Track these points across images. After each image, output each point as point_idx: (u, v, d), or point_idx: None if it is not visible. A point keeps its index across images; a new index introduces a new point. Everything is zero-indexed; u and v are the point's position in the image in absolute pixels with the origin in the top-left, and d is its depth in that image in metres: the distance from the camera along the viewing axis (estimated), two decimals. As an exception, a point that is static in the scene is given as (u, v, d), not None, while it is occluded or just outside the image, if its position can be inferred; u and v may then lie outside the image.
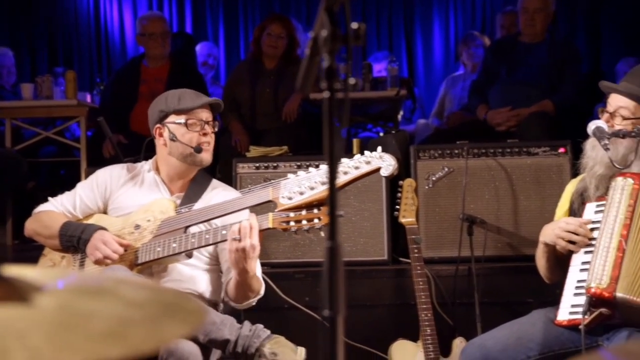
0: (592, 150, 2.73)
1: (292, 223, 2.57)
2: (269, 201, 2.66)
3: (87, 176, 3.31)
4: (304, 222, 2.55)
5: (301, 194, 2.58)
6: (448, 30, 8.64)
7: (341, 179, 2.58)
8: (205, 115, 2.93)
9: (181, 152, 2.93)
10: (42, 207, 3.05)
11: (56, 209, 3.02)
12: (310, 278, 3.76)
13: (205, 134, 2.91)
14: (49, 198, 3.08)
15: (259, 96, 5.31)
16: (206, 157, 2.94)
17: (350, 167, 2.60)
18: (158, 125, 2.96)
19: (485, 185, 3.87)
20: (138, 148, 4.08)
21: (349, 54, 1.21)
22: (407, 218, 3.50)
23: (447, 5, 8.63)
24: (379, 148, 2.67)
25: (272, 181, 2.69)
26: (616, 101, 2.70)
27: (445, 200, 3.87)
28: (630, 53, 7.20)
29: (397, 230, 3.80)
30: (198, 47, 6.94)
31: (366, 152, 2.64)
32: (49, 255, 3.00)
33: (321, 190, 2.56)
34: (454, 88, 6.51)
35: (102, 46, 8.58)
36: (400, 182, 3.60)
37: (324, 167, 2.60)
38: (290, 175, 2.64)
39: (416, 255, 3.40)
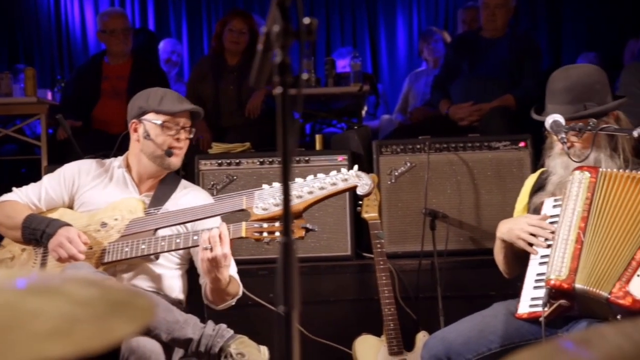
0: (549, 159, 2.78)
1: (265, 234, 2.58)
2: (242, 210, 2.66)
3: (47, 174, 3.27)
4: (277, 233, 2.56)
5: (276, 205, 2.59)
6: (411, 25, 8.69)
7: (317, 194, 2.61)
8: (183, 121, 2.93)
9: (152, 151, 2.92)
10: (5, 197, 3.01)
11: (20, 200, 2.97)
12: (274, 275, 3.75)
13: (178, 139, 2.91)
14: (14, 188, 3.04)
15: (222, 93, 5.29)
16: (175, 161, 2.95)
17: (327, 184, 2.62)
18: (135, 120, 2.95)
19: (447, 180, 3.89)
20: (100, 145, 4.04)
21: (302, 49, 1.21)
22: (369, 213, 3.52)
23: (410, 1, 8.67)
24: (356, 166, 2.70)
25: (246, 190, 2.70)
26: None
27: (407, 195, 3.88)
28: (589, 47, 7.30)
29: (360, 226, 3.81)
30: (161, 44, 6.89)
31: (343, 170, 2.68)
32: (9, 246, 2.96)
33: (296, 204, 2.58)
34: (417, 83, 6.54)
35: (63, 43, 8.47)
36: (363, 178, 3.61)
37: (299, 181, 2.63)
38: (264, 186, 2.65)
39: (379, 250, 3.42)
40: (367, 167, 4.01)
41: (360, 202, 3.56)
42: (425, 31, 7.11)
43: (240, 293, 2.89)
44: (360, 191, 2.63)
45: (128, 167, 3.01)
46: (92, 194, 2.95)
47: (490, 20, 4.99)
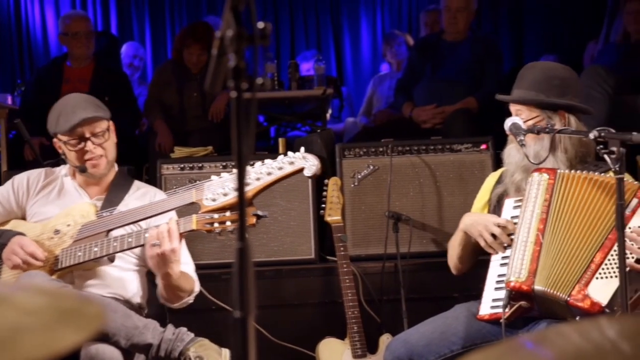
0: (509, 158, 2.81)
1: (216, 224, 2.56)
2: (193, 203, 2.64)
3: (6, 179, 3.23)
4: (228, 223, 2.55)
5: (225, 195, 2.58)
6: (375, 29, 8.72)
7: (265, 179, 2.59)
8: (88, 130, 2.88)
9: (73, 167, 2.93)
10: None
11: None
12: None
13: (87, 151, 2.88)
14: None
15: (186, 99, 5.27)
16: (98, 171, 2.93)
17: (274, 168, 2.60)
18: (54, 139, 2.95)
19: (409, 183, 3.91)
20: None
21: (256, 53, 1.21)
22: (332, 216, 3.52)
23: (373, 4, 8.71)
24: (302, 148, 2.68)
25: (196, 183, 2.68)
26: (513, 107, 2.82)
27: (370, 198, 3.89)
28: (550, 50, 7.39)
29: (323, 229, 3.81)
30: (124, 48, 6.83)
31: (289, 153, 2.65)
32: None
33: (245, 192, 2.55)
34: (380, 86, 6.57)
35: (24, 46, 8.34)
36: (326, 181, 3.62)
37: (247, 169, 2.59)
38: (213, 177, 2.64)
39: (342, 253, 3.43)
40: (330, 170, 4.01)
41: (324, 206, 3.56)
42: (388, 34, 7.15)
43: (197, 289, 2.87)
44: (307, 173, 2.62)
45: (74, 174, 3.00)
46: (43, 204, 2.93)
47: (452, 23, 5.03)
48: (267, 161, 2.62)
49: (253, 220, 2.50)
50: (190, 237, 3.80)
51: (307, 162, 2.62)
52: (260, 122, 5.99)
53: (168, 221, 2.62)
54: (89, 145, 2.88)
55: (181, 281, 2.75)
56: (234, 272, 1.21)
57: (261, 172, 2.58)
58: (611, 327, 0.90)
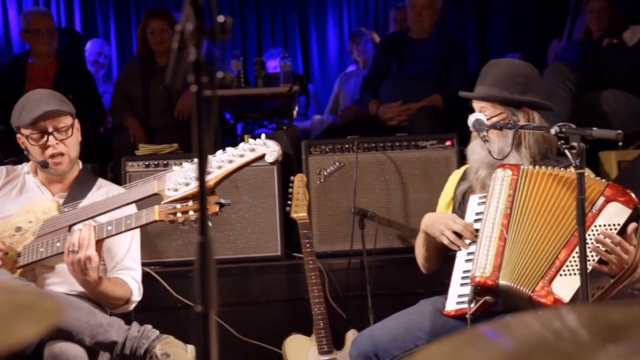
0: (474, 154, 2.83)
1: (179, 214, 2.55)
2: (155, 194, 2.62)
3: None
4: (191, 212, 2.54)
5: (187, 185, 2.56)
6: (342, 26, 8.74)
7: (226, 168, 2.57)
8: (51, 124, 2.85)
9: (35, 163, 2.91)
10: None
11: None
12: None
13: (48, 146, 2.85)
14: None
15: (151, 94, 5.23)
16: (60, 168, 2.90)
17: (235, 156, 2.59)
18: (17, 134, 2.91)
19: (375, 179, 3.93)
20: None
21: (216, 47, 1.20)
22: (298, 213, 3.53)
23: (340, 1, 8.72)
24: (263, 135, 2.68)
25: (157, 174, 2.66)
26: (477, 104, 2.84)
27: (336, 194, 3.90)
28: (515, 48, 7.46)
29: (290, 226, 3.81)
30: (88, 45, 6.77)
31: (250, 140, 2.64)
32: None
33: (207, 180, 2.53)
34: (347, 84, 6.58)
35: (-14, 43, 8.24)
36: (292, 178, 3.62)
37: (209, 157, 2.57)
38: (174, 167, 2.62)
39: (308, 250, 3.43)
40: (296, 167, 4.02)
41: (290, 203, 3.56)
42: (354, 32, 7.16)
43: (136, 298, 2.86)
44: (268, 159, 2.62)
45: (36, 172, 2.97)
46: (4, 202, 2.90)
47: (418, 21, 5.05)
48: (229, 149, 2.61)
49: (216, 208, 2.49)
50: (155, 235, 3.79)
51: (268, 148, 2.61)
52: (227, 119, 5.98)
53: (85, 227, 2.60)
54: (52, 140, 2.84)
55: (106, 287, 2.74)
56: (195, 267, 1.20)
57: (222, 160, 2.57)
58: (571, 316, 0.91)
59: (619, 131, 2.39)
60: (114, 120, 5.45)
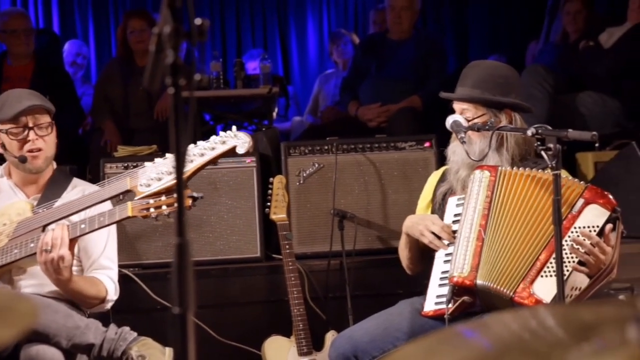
0: (454, 155, 2.84)
1: (152, 209, 2.54)
2: (128, 191, 2.62)
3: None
4: (164, 207, 2.53)
5: (159, 180, 2.55)
6: (322, 27, 8.75)
7: (198, 161, 2.57)
8: (32, 120, 2.85)
9: (12, 160, 2.90)
10: None
11: None
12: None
13: (28, 141, 2.84)
14: None
15: (131, 95, 5.22)
16: (36, 163, 2.89)
17: (207, 149, 2.59)
18: None
19: (354, 180, 3.93)
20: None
21: (194, 49, 1.21)
22: (277, 215, 3.53)
23: (320, 2, 8.73)
24: (234, 127, 2.68)
25: (130, 170, 2.66)
26: (458, 105, 2.85)
27: (316, 196, 3.91)
28: (494, 50, 7.51)
29: (269, 227, 3.81)
30: (66, 46, 6.73)
31: (221, 132, 2.64)
32: None
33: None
34: (327, 85, 6.60)
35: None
36: (271, 179, 3.62)
37: None
38: (147, 164, 2.61)
39: (287, 251, 3.43)
40: (275, 168, 4.02)
41: (269, 204, 3.57)
42: (334, 33, 7.18)
43: (111, 297, 2.85)
44: (240, 150, 2.61)
45: (10, 175, 2.95)
46: None
47: (397, 22, 5.07)
48: (200, 143, 2.61)
49: (189, 202, 2.49)
50: (134, 237, 3.78)
51: (239, 140, 2.61)
52: (207, 120, 5.97)
53: (58, 226, 2.59)
54: (32, 135, 2.85)
55: (81, 286, 2.73)
56: (172, 268, 1.21)
57: (194, 154, 2.56)
58: (549, 315, 0.92)
59: (594, 133, 2.42)
60: (95, 122, 5.44)
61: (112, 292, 2.85)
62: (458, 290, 2.61)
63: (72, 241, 2.61)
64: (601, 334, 0.84)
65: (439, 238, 2.73)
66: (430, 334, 0.97)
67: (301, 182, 3.90)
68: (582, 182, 2.64)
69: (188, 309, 1.18)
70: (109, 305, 2.85)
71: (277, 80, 5.69)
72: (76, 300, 2.78)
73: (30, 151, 2.85)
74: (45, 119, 2.88)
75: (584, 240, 2.50)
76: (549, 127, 2.47)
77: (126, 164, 3.88)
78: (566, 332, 0.87)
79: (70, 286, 2.68)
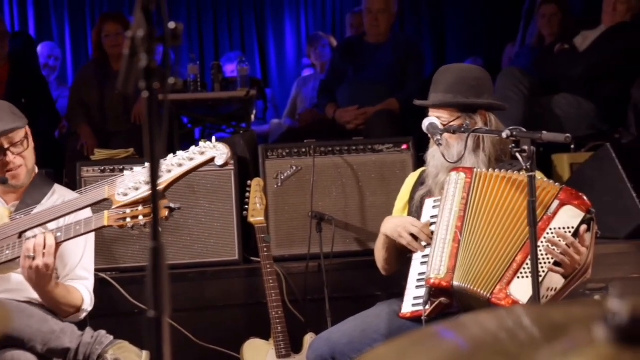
0: (434, 159, 2.86)
1: (128, 219, 2.53)
2: (106, 199, 2.60)
3: None
4: (141, 217, 2.52)
5: (136, 189, 2.54)
6: (299, 30, 8.76)
7: (176, 171, 2.56)
8: (6, 140, 2.84)
9: None
10: None
11: None
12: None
13: (6, 163, 2.84)
14: None
15: (107, 98, 5.20)
16: (19, 180, 2.88)
17: (185, 159, 2.58)
18: None
19: (332, 183, 3.94)
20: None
21: (167, 53, 1.21)
22: (255, 217, 3.53)
23: (297, 5, 8.74)
24: (213, 138, 2.67)
25: (109, 179, 2.65)
26: (433, 111, 2.86)
27: (294, 198, 3.91)
28: (471, 53, 7.55)
29: (247, 230, 3.81)
30: (38, 48, 6.68)
31: (200, 143, 2.64)
32: None
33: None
34: (305, 88, 6.60)
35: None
36: (249, 182, 3.62)
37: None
38: (126, 172, 2.60)
39: (265, 254, 3.43)
40: (253, 171, 4.02)
41: (247, 207, 3.56)
42: (312, 36, 7.19)
43: (87, 307, 2.85)
44: (218, 162, 2.60)
45: None
46: None
47: (374, 25, 5.09)
48: (179, 153, 2.60)
49: (165, 213, 2.48)
50: (112, 240, 3.76)
51: (218, 151, 2.60)
52: (185, 123, 5.96)
53: (43, 232, 2.58)
54: (9, 156, 2.84)
55: (60, 295, 2.73)
56: (147, 272, 1.21)
57: (172, 164, 2.55)
58: (526, 315, 0.93)
59: (568, 135, 2.44)
60: (71, 125, 5.41)
61: (88, 303, 2.84)
62: (435, 291, 2.62)
63: (58, 246, 2.59)
64: (571, 333, 0.86)
65: (417, 240, 2.74)
66: (404, 335, 0.98)
67: (279, 184, 3.91)
68: (557, 184, 2.66)
69: (163, 312, 1.19)
70: (83, 316, 2.84)
71: (255, 83, 5.70)
72: (53, 308, 2.77)
73: (10, 170, 2.83)
74: (20, 134, 2.86)
75: (560, 241, 2.52)
76: (524, 129, 2.49)
77: (103, 168, 3.86)
78: (538, 331, 0.89)
79: (50, 294, 2.67)
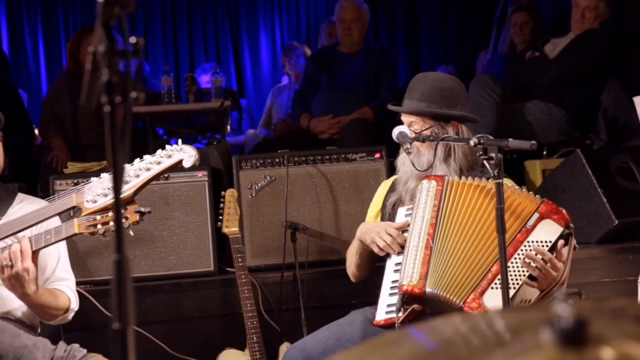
0: (403, 166, 2.88)
1: (99, 226, 2.52)
2: (74, 207, 2.59)
3: None
4: (111, 223, 2.51)
5: (105, 195, 2.53)
6: (274, 40, 8.79)
7: (144, 176, 2.54)
8: None
9: None
10: None
11: None
12: (135, 294, 3.69)
13: None
14: None
15: (81, 111, 5.19)
16: None
17: (152, 163, 2.57)
18: None
19: (306, 192, 3.95)
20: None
21: (129, 67, 1.22)
22: (230, 228, 3.54)
23: (272, 15, 8.77)
24: (179, 141, 2.67)
25: (77, 187, 2.64)
26: (406, 118, 2.89)
27: (268, 208, 3.92)
28: (445, 61, 7.62)
29: (222, 241, 3.81)
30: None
31: (167, 146, 2.63)
32: None
33: (125, 190, 2.51)
34: (279, 98, 6.62)
35: None
36: (223, 193, 3.62)
37: (127, 167, 2.55)
38: (93, 179, 2.60)
39: (240, 264, 3.44)
40: (227, 182, 4.02)
41: (221, 218, 3.57)
42: (287, 46, 7.22)
43: (74, 307, 2.83)
44: (186, 164, 2.59)
45: None
46: None
47: (347, 34, 5.13)
48: (146, 157, 2.59)
49: (136, 217, 2.47)
50: (86, 253, 3.75)
51: (185, 154, 2.59)
52: (160, 135, 5.95)
53: (20, 239, 2.57)
54: None
55: (45, 298, 2.71)
56: (112, 284, 1.21)
57: (140, 169, 2.55)
58: (499, 320, 0.95)
59: (533, 142, 2.47)
60: (43, 139, 5.39)
61: (74, 302, 2.83)
62: (408, 298, 2.63)
63: (34, 253, 2.58)
64: (522, 337, 0.88)
65: (389, 247, 2.76)
66: (361, 343, 1.00)
67: (253, 195, 3.92)
68: (537, 196, 2.67)
69: (128, 324, 1.19)
70: (70, 316, 2.82)
71: (230, 94, 5.72)
72: (41, 313, 2.75)
73: None
74: None
75: (537, 255, 2.52)
76: (491, 137, 2.52)
77: (76, 181, 3.85)
78: (491, 336, 0.90)
79: (36, 300, 2.65)
